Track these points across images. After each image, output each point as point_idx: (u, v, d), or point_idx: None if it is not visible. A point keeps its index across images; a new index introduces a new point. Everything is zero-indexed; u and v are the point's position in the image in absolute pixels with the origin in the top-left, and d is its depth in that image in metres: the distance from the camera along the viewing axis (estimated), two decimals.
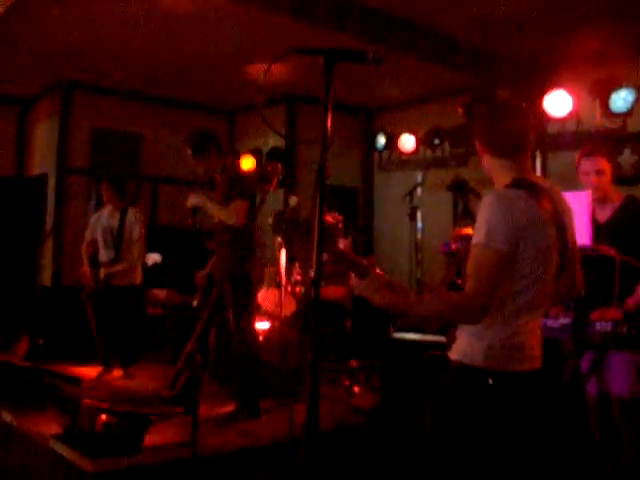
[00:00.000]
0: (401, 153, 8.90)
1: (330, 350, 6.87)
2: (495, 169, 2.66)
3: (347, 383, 6.46)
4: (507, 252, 2.36)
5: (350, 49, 2.06)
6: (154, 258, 7.51)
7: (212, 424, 5.06)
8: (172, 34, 7.33)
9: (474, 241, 2.41)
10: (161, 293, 8.47)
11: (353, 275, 2.45)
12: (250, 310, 5.61)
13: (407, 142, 8.71)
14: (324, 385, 6.39)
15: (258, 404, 5.41)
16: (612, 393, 4.20)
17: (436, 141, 8.42)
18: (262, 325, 6.50)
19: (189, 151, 5.63)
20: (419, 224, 8.41)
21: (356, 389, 6.42)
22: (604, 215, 4.37)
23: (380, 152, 9.36)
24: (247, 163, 9.67)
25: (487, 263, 2.35)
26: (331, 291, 6.77)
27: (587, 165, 4.33)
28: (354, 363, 6.96)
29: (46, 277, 9.21)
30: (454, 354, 2.55)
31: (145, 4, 6.50)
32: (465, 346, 2.50)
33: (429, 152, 8.66)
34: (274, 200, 8.76)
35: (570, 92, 6.76)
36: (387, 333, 5.92)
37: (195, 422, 3.99)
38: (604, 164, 4.31)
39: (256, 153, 9.65)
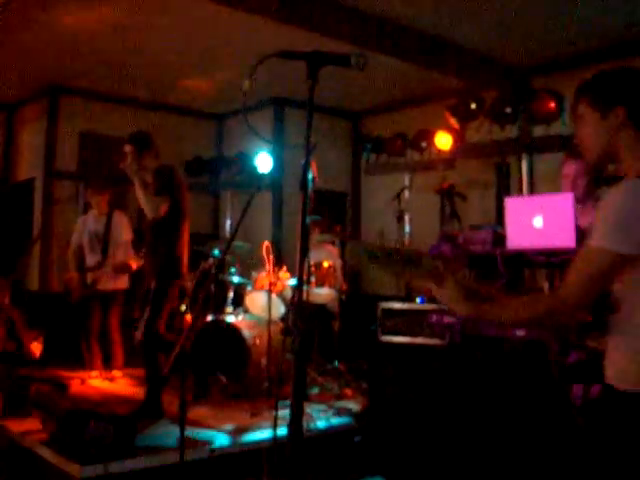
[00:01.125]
0: (389, 156, 8.90)
1: (318, 352, 6.87)
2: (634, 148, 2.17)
3: (335, 386, 6.46)
4: (628, 254, 2.00)
5: (333, 53, 2.07)
6: (139, 262, 7.50)
7: (198, 426, 5.06)
8: (159, 38, 7.33)
9: (588, 240, 2.07)
10: None
11: (432, 283, 2.24)
12: (163, 315, 5.52)
13: (394, 145, 8.71)
14: (315, 387, 6.40)
15: (161, 405, 5.36)
16: None
17: (423, 144, 8.42)
18: (250, 328, 6.49)
19: (129, 147, 5.57)
20: (407, 227, 8.43)
21: (344, 391, 6.42)
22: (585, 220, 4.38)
23: (368, 155, 9.36)
24: (235, 167, 9.69)
25: (595, 265, 2.03)
26: (317, 294, 6.77)
27: (569, 168, 4.35)
28: (342, 366, 6.96)
29: (33, 282, 9.18)
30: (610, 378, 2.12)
31: (132, 10, 6.51)
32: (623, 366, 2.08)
33: (416, 155, 8.67)
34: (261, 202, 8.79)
35: (556, 95, 6.79)
36: (375, 335, 5.92)
37: (182, 426, 3.98)
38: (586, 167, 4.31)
39: (244, 157, 9.64)
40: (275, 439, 3.78)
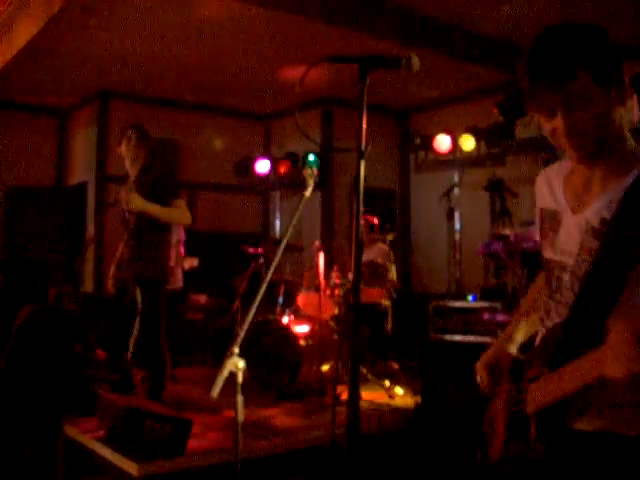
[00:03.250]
0: (437, 153, 8.87)
1: (370, 352, 6.87)
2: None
3: (388, 385, 6.45)
4: None
5: (383, 56, 2.07)
6: (191, 262, 7.59)
7: (253, 427, 5.09)
8: (207, 42, 7.41)
9: None
10: (201, 298, 8.57)
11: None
12: (162, 322, 5.47)
13: (443, 142, 8.67)
14: (364, 387, 6.40)
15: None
16: None
17: (472, 141, 8.37)
18: (302, 328, 6.53)
19: (133, 135, 5.54)
20: (457, 224, 8.38)
21: (397, 391, 6.42)
22: None
23: (416, 153, 9.33)
24: (284, 167, 9.74)
25: None
26: (370, 293, 6.78)
27: None
28: (394, 365, 6.96)
29: (88, 285, 9.35)
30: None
31: (180, 13, 6.58)
32: None
33: (465, 152, 8.62)
34: (309, 204, 8.82)
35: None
36: (428, 334, 5.91)
37: (237, 425, 4.02)
38: None
39: (292, 158, 9.69)
40: (332, 439, 3.79)
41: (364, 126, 2.03)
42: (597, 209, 1.78)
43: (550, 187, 1.97)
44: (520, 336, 2.16)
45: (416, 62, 2.03)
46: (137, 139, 5.55)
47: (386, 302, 7.21)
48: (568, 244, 1.85)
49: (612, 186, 1.78)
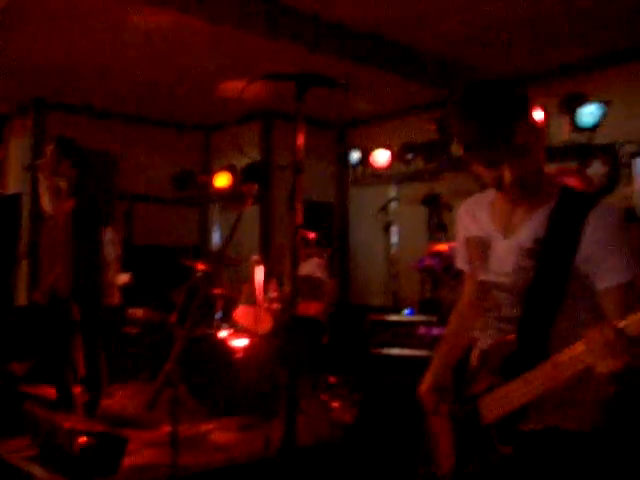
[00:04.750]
0: (375, 168, 8.94)
1: (308, 365, 6.88)
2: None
3: (326, 398, 6.47)
4: None
5: (319, 75, 2.10)
6: (123, 279, 7.49)
7: (190, 442, 5.05)
8: (146, 53, 7.35)
9: (631, 276, 1.88)
10: (138, 312, 8.46)
11: None
12: (99, 338, 5.44)
13: (380, 157, 8.76)
14: (302, 400, 6.39)
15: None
16: None
17: (409, 155, 8.47)
18: (240, 342, 6.50)
19: (51, 148, 5.48)
20: (394, 238, 8.45)
21: (335, 404, 6.44)
22: None
23: (354, 167, 9.39)
24: (222, 180, 9.70)
25: None
26: (307, 307, 6.79)
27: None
28: (332, 378, 6.98)
29: (22, 298, 9.15)
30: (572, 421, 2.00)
31: (119, 24, 6.52)
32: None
33: (403, 167, 8.71)
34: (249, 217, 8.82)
35: (540, 106, 6.83)
36: (365, 348, 5.95)
37: (175, 442, 3.98)
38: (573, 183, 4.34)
39: (232, 170, 9.66)
40: (267, 453, 3.80)
41: (300, 142, 2.06)
42: (528, 231, 1.99)
43: (474, 217, 2.17)
44: (452, 359, 2.31)
45: (350, 84, 2.08)
46: (58, 153, 5.47)
47: (324, 316, 7.22)
48: (502, 266, 2.03)
49: (539, 209, 2.00)
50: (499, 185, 1.96)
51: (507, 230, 2.05)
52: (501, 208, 2.09)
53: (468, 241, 2.18)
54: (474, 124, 1.90)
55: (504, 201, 2.07)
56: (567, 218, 1.93)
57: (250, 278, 6.72)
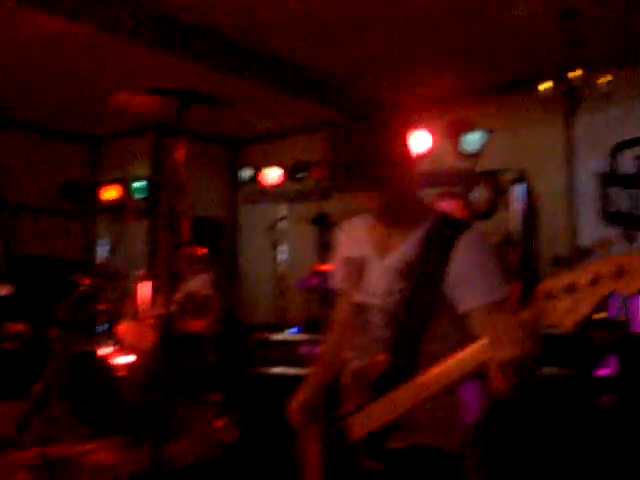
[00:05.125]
0: (266, 185, 8.95)
1: (192, 384, 6.79)
2: None
3: (209, 417, 6.39)
4: None
5: (201, 92, 2.09)
6: (3, 290, 7.23)
7: (69, 463, 4.89)
8: (34, 61, 7.14)
9: (498, 297, 1.93)
10: (19, 326, 8.15)
11: None
12: None
13: (272, 175, 8.78)
14: (186, 419, 6.29)
15: None
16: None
17: (301, 174, 8.52)
18: (125, 359, 6.35)
19: None
20: (283, 256, 8.46)
21: (218, 423, 6.37)
22: None
23: (245, 184, 9.37)
24: (111, 193, 9.50)
25: None
26: (193, 324, 6.71)
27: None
28: (216, 396, 6.90)
29: None
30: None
31: (7, 31, 6.33)
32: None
33: (294, 185, 8.76)
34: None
35: (426, 132, 7.02)
36: (250, 366, 5.92)
37: (48, 463, 3.85)
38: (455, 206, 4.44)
39: (122, 182, 9.48)
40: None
41: (181, 158, 2.04)
42: (401, 253, 2.04)
43: (353, 238, 2.21)
44: (325, 378, 2.33)
45: (233, 103, 2.08)
46: None
47: (210, 333, 7.14)
48: (376, 287, 2.07)
49: (412, 232, 2.06)
50: (368, 209, 2.05)
51: (382, 252, 2.10)
52: (379, 230, 2.13)
53: (345, 261, 2.21)
54: (347, 149, 1.98)
55: (382, 224, 2.12)
56: (438, 242, 1.99)
57: (135, 294, 6.59)
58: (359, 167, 1.95)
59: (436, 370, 1.81)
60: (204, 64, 6.55)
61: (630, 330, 5.85)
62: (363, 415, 1.98)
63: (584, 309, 1.46)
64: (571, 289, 1.47)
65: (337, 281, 2.33)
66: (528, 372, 1.65)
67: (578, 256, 5.98)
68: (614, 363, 4.89)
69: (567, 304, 1.48)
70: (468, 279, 1.93)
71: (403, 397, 1.87)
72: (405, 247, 2.04)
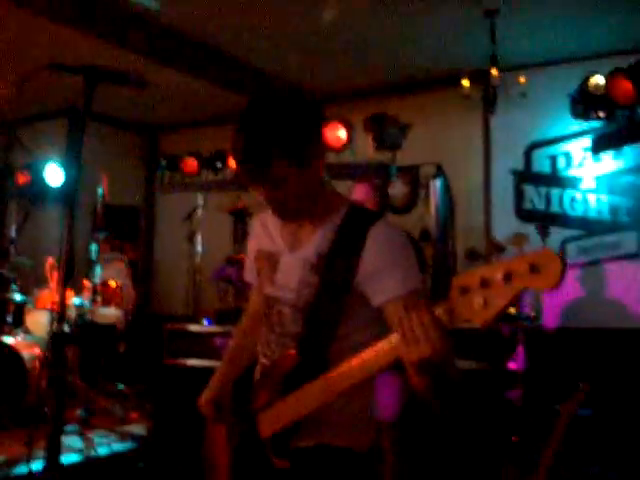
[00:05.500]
0: (184, 174, 8.82)
1: (103, 375, 6.65)
2: None
3: (119, 409, 6.27)
4: None
5: (112, 70, 2.00)
6: None
7: None
8: None
9: (410, 290, 1.90)
10: None
11: None
12: None
13: (189, 164, 8.66)
14: (97, 411, 6.15)
15: None
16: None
17: (219, 164, 8.42)
18: (33, 350, 6.16)
19: None
20: (199, 247, 8.38)
21: (129, 415, 6.25)
22: None
23: (163, 172, 9.20)
24: (24, 178, 9.20)
25: None
26: (104, 313, 6.58)
27: (358, 193, 4.43)
28: (127, 388, 6.77)
29: None
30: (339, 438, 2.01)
31: None
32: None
33: (211, 175, 8.65)
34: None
35: (346, 124, 7.02)
36: (162, 358, 5.83)
37: None
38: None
39: (34, 168, 9.17)
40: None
41: (87, 140, 1.96)
42: (313, 246, 2.00)
43: (266, 230, 2.16)
44: (234, 372, 2.30)
45: (146, 81, 2.00)
46: None
47: (121, 323, 7.01)
48: (287, 280, 2.03)
49: (324, 225, 2.01)
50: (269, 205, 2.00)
51: (294, 245, 2.05)
52: (289, 224, 2.08)
53: (258, 254, 2.18)
54: (235, 150, 1.93)
55: (286, 220, 2.08)
56: (349, 234, 1.94)
57: (46, 282, 6.41)
58: (252, 159, 1.90)
59: (345, 367, 1.77)
60: (123, 48, 6.38)
61: (538, 324, 6.00)
62: (271, 412, 1.94)
63: (499, 304, 1.46)
64: (486, 284, 1.46)
65: (249, 274, 2.30)
66: (441, 372, 1.64)
67: (493, 251, 6.08)
68: (522, 357, 4.99)
69: (482, 299, 1.47)
70: (380, 272, 1.89)
71: (311, 395, 1.84)
72: (316, 240, 2.00)
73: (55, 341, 1.78)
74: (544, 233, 6.51)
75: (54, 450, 1.67)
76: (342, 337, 1.91)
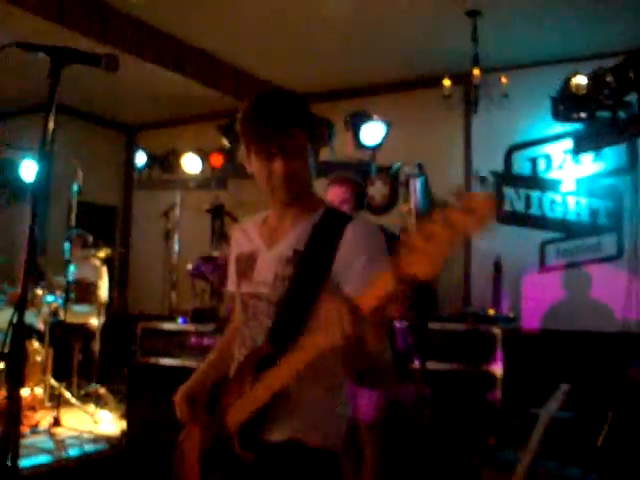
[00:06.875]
0: (162, 172, 8.73)
1: (77, 373, 6.54)
2: None
3: (92, 409, 6.18)
4: None
5: (82, 51, 1.91)
6: None
7: None
8: None
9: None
10: None
11: None
12: None
13: (167, 162, 8.56)
14: (68, 412, 6.04)
15: None
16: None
17: (197, 162, 8.34)
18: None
19: None
20: (175, 246, 8.29)
21: (102, 416, 6.16)
22: None
23: (140, 171, 9.09)
24: None
25: None
26: (79, 312, 6.49)
27: (334, 193, 4.35)
28: (101, 388, 6.68)
29: None
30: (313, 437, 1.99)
31: None
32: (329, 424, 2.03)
33: (190, 173, 8.56)
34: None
35: (325, 121, 6.96)
36: (134, 356, 5.73)
37: None
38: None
39: (8, 164, 9.03)
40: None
41: (50, 126, 1.88)
42: (290, 241, 2.05)
43: (246, 235, 2.21)
44: (214, 372, 2.29)
45: (118, 63, 1.92)
46: None
47: (95, 322, 6.90)
48: (264, 275, 2.06)
49: (302, 222, 2.06)
50: (268, 182, 2.00)
51: (271, 242, 2.10)
52: (271, 221, 2.14)
53: (238, 257, 2.20)
54: (258, 113, 1.95)
55: (275, 213, 2.13)
56: (326, 232, 2.00)
57: (19, 279, 6.29)
58: (269, 131, 1.94)
59: (299, 347, 1.80)
60: (100, 39, 6.26)
61: (517, 326, 5.97)
62: (240, 403, 1.95)
63: (440, 251, 1.46)
64: (429, 236, 1.46)
65: (231, 283, 2.29)
66: (358, 354, 1.71)
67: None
68: (501, 359, 4.96)
69: (426, 251, 1.47)
70: (351, 267, 1.92)
71: (273, 378, 1.86)
72: (293, 236, 2.05)
73: (14, 333, 1.68)
74: None
75: (13, 452, 1.58)
76: (313, 328, 1.87)
